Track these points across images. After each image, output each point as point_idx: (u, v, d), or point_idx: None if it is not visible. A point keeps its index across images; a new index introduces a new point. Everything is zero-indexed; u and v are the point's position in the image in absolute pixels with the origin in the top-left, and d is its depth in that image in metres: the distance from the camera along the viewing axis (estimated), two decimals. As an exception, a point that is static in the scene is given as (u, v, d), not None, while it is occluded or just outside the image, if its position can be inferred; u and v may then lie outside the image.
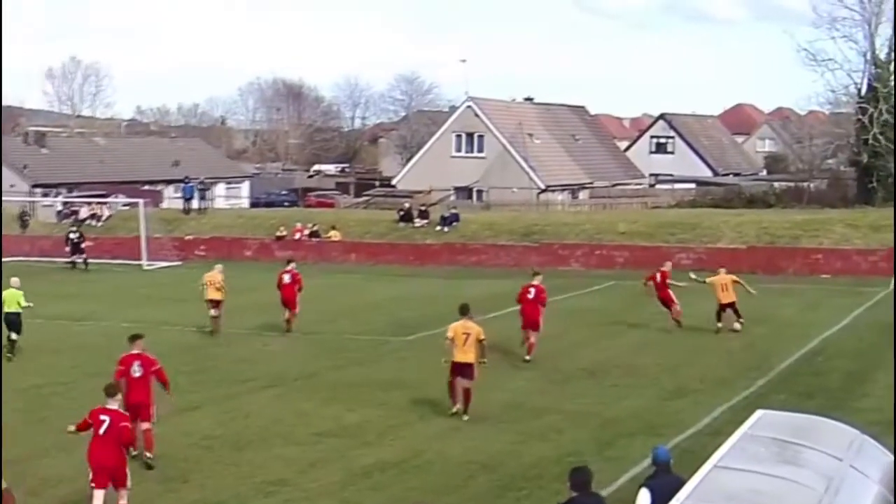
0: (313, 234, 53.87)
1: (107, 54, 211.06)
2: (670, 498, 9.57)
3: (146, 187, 71.85)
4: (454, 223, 52.98)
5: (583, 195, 71.36)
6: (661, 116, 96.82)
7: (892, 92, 58.31)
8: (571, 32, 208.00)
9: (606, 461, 17.22)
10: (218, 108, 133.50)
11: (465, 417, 20.11)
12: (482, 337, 20.28)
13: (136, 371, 17.43)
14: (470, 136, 69.98)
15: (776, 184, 68.75)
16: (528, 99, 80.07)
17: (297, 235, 53.93)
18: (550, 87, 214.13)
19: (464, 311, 20.63)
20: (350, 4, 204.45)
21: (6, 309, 26.50)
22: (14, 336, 26.66)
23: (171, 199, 70.98)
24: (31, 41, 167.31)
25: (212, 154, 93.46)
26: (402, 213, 54.84)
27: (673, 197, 67.32)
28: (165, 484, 16.60)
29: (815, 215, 51.32)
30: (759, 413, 11.92)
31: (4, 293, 26.81)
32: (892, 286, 38.54)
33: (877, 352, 26.65)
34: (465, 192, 67.46)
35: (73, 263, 49.98)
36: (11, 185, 68.02)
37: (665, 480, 11.05)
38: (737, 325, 29.72)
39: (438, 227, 52.97)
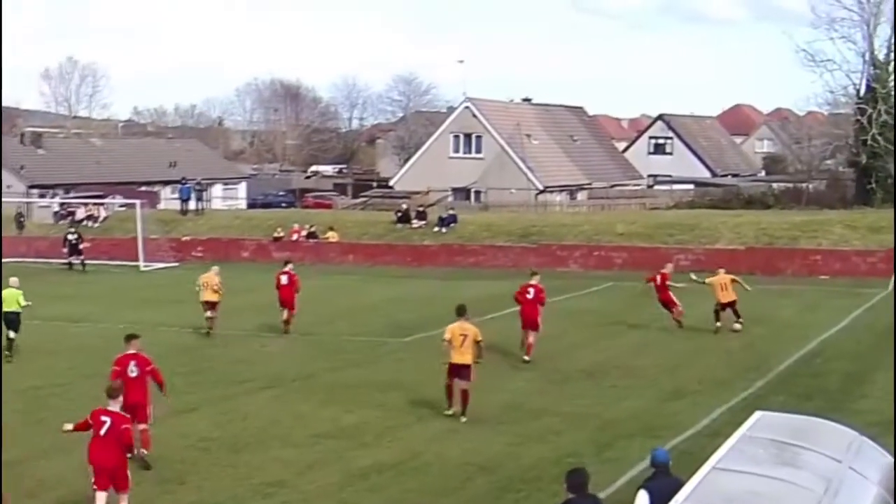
0: (311, 235, 53.84)
1: (104, 55, 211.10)
2: (669, 500, 9.54)
3: (143, 188, 71.83)
4: (452, 224, 52.94)
5: (581, 196, 71.37)
6: (660, 117, 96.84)
7: (891, 92, 58.38)
8: (569, 33, 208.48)
9: (605, 463, 17.20)
10: (215, 109, 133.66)
11: (464, 419, 20.06)
12: (479, 338, 20.24)
13: (133, 371, 17.38)
14: (468, 136, 69.98)
15: (775, 185, 68.76)
16: (527, 99, 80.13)
17: (295, 236, 53.90)
18: (548, 88, 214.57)
19: (460, 312, 20.59)
20: (348, 5, 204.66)
21: (6, 308, 26.61)
22: (12, 335, 26.75)
23: (168, 200, 70.94)
24: (28, 41, 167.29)
25: (209, 155, 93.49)
26: (399, 214, 54.82)
27: (671, 198, 67.32)
28: (162, 485, 16.54)
29: (813, 216, 51.29)
30: (757, 414, 11.88)
31: (4, 293, 26.94)
32: (890, 287, 38.55)
33: (876, 353, 26.64)
34: (462, 192, 67.44)
35: (70, 264, 49.96)
36: (8, 186, 68.08)
37: (664, 482, 11.01)
38: (736, 326, 29.71)
39: (436, 228, 52.93)
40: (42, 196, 70.43)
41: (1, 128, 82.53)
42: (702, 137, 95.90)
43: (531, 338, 25.99)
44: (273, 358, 27.22)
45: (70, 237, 50.84)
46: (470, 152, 69.81)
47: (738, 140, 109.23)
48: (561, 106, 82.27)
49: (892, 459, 11.52)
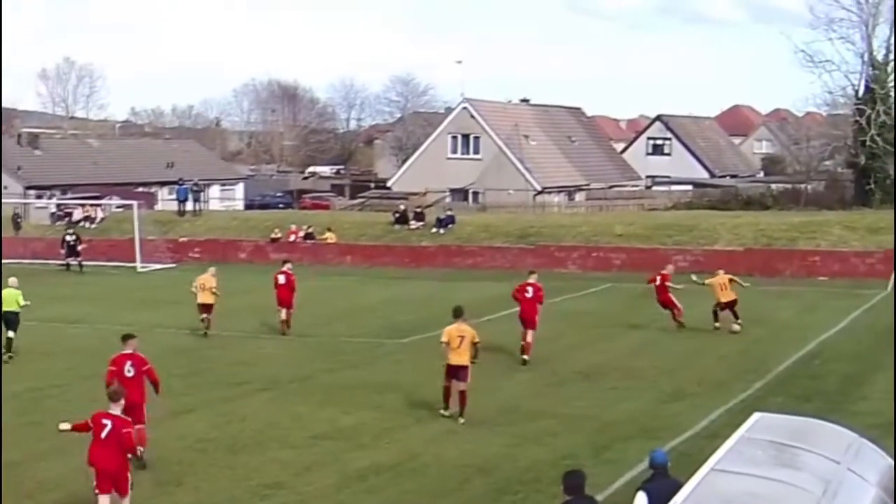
0: (308, 237, 53.79)
1: (101, 55, 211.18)
2: (667, 501, 9.52)
3: (140, 189, 71.82)
4: (450, 225, 52.92)
5: (579, 197, 71.39)
6: (658, 118, 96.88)
7: (890, 93, 58.41)
8: (568, 33, 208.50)
9: (603, 464, 17.17)
10: (212, 110, 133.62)
11: (462, 420, 20.04)
12: (476, 340, 20.27)
13: (129, 371, 17.38)
14: (466, 137, 69.96)
15: (773, 185, 68.83)
16: (525, 100, 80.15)
17: (292, 237, 53.83)
18: (547, 89, 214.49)
19: (457, 313, 20.59)
20: (345, 5, 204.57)
21: (5, 308, 26.72)
22: (11, 334, 26.86)
23: (166, 200, 70.90)
24: (24, 42, 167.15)
25: (206, 156, 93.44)
26: (397, 215, 54.78)
27: (670, 199, 67.31)
28: (159, 487, 16.50)
29: (812, 217, 51.27)
30: (756, 416, 11.85)
31: (3, 292, 27.04)
32: (889, 288, 38.53)
33: (875, 355, 26.62)
34: (460, 193, 67.44)
35: (68, 265, 49.91)
36: (5, 187, 68.05)
37: (662, 484, 11.00)
38: (735, 327, 29.71)
39: (434, 229, 52.89)
40: (39, 197, 70.40)
41: (1, 129, 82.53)
42: (700, 138, 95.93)
43: (529, 337, 25.97)
44: (271, 359, 27.18)
45: (68, 238, 50.80)
46: (468, 153, 69.80)
47: (737, 141, 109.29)
48: (559, 107, 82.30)
49: (892, 461, 11.48)
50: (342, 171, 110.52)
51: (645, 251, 46.41)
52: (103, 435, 14.17)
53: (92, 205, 61.03)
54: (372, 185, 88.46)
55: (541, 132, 74.47)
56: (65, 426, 14.88)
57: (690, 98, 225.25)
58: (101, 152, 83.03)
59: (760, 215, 53.77)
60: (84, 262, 49.77)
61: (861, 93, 59.15)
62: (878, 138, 57.61)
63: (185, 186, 60.27)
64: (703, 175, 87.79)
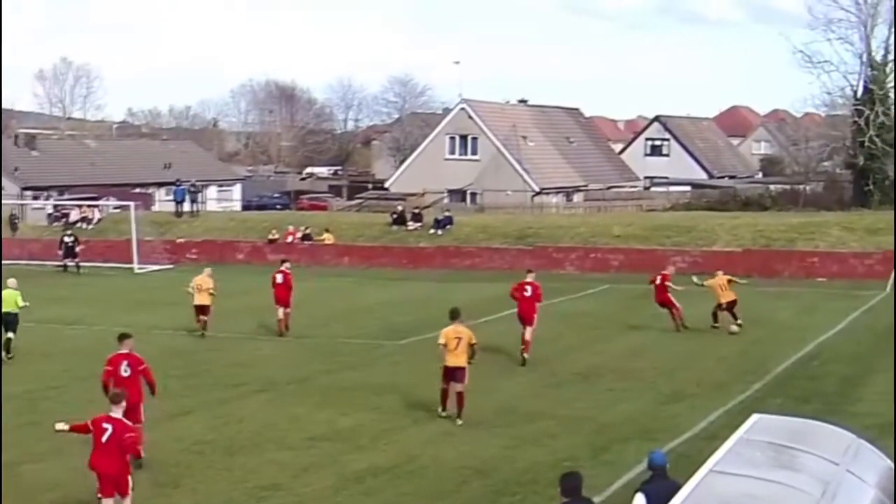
0: (306, 237, 53.76)
1: (98, 56, 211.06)
2: (666, 503, 9.49)
3: (137, 190, 71.71)
4: (448, 226, 52.90)
5: (577, 198, 71.37)
6: (656, 119, 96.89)
7: (889, 94, 58.42)
8: (566, 34, 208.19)
9: (601, 466, 17.16)
10: (210, 111, 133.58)
11: (459, 422, 20.00)
12: (473, 341, 20.25)
13: (125, 371, 17.37)
14: (464, 138, 69.93)
15: (772, 186, 68.82)
16: (523, 101, 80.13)
17: (290, 238, 53.79)
18: (545, 89, 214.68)
19: (454, 315, 20.57)
20: (343, 6, 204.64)
21: (4, 309, 26.71)
22: (10, 335, 26.91)
23: (163, 201, 70.87)
24: (21, 42, 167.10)
25: (203, 156, 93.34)
26: (395, 215, 54.76)
27: (668, 199, 67.33)
28: (156, 489, 16.46)
29: (810, 218, 51.27)
30: (755, 417, 11.82)
31: (3, 293, 27.04)
32: (888, 289, 38.50)
33: (874, 356, 26.60)
34: (458, 194, 67.43)
35: (65, 266, 49.85)
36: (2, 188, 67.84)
37: (661, 485, 10.99)
38: (734, 328, 29.70)
39: (432, 230, 52.87)
40: (36, 198, 70.31)
41: (1, 129, 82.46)
42: (698, 139, 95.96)
43: (528, 334, 25.98)
44: (268, 361, 27.13)
45: (66, 240, 50.77)
46: (466, 154, 69.76)
47: (735, 142, 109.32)
48: (557, 107, 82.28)
49: (891, 462, 11.45)
50: (340, 172, 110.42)
51: (643, 252, 46.39)
52: (104, 439, 14.13)
53: (89, 206, 60.96)
54: (370, 185, 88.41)
55: (539, 133, 74.47)
56: (61, 426, 14.83)
57: (689, 99, 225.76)
58: (98, 153, 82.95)
59: (759, 216, 53.77)
60: (81, 264, 49.71)
61: (860, 93, 59.15)
62: (876, 139, 57.61)
63: (182, 187, 60.21)
64: (701, 176, 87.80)
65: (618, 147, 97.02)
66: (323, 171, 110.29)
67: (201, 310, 30.09)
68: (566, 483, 11.03)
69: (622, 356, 27.17)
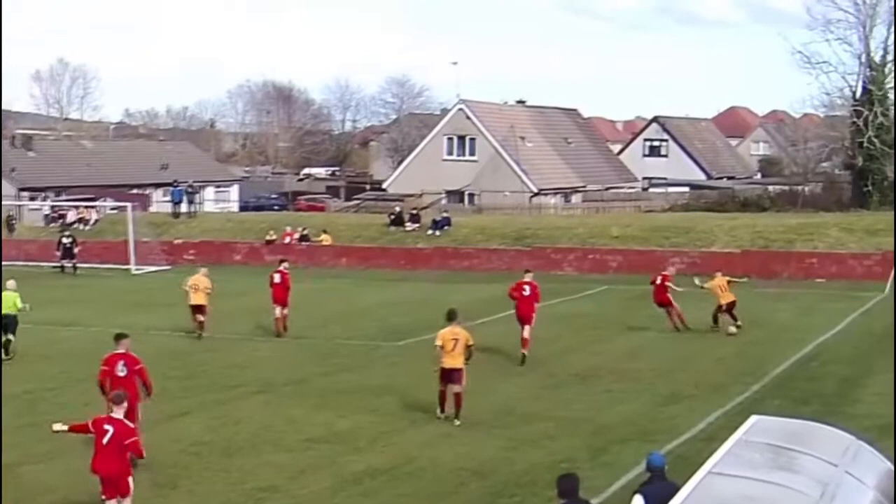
0: (303, 238, 53.73)
1: (95, 56, 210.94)
2: (665, 505, 9.45)
3: (134, 191, 71.71)
4: (445, 227, 52.87)
5: (575, 199, 71.36)
6: (655, 119, 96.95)
7: (888, 94, 58.45)
8: (564, 34, 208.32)
9: (600, 467, 17.13)
10: (207, 111, 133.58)
11: (457, 423, 19.97)
12: (471, 342, 20.24)
13: (121, 371, 17.37)
14: (461, 139, 69.89)
15: (770, 187, 68.89)
16: (521, 101, 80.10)
17: (287, 239, 53.77)
18: (543, 90, 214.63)
19: (451, 316, 20.57)
20: (340, 6, 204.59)
21: (4, 310, 26.70)
22: (11, 337, 26.95)
23: (160, 202, 70.80)
24: (18, 43, 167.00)
25: (201, 157, 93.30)
26: (392, 216, 54.74)
27: (666, 200, 67.34)
28: (154, 490, 16.41)
29: (809, 219, 51.27)
30: (753, 418, 11.80)
31: (2, 295, 27.04)
32: (887, 290, 38.48)
33: (872, 357, 26.58)
34: (456, 195, 67.40)
35: (62, 267, 49.79)
36: (0, 189, 67.80)
37: (659, 487, 10.98)
38: (732, 329, 29.69)
39: (430, 231, 52.85)
40: (33, 199, 70.24)
41: (1, 130, 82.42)
42: (697, 140, 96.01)
43: (526, 332, 25.98)
44: (265, 362, 27.09)
45: (64, 241, 50.69)
46: (463, 155, 69.71)
47: (734, 142, 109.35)
48: (555, 108, 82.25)
49: (890, 464, 11.43)
50: (337, 173, 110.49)
51: (641, 253, 46.37)
52: (105, 441, 14.09)
53: (86, 206, 60.94)
54: (367, 186, 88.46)
55: (537, 134, 74.43)
56: (59, 427, 14.80)
57: (687, 99, 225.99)
58: (95, 154, 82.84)
59: (757, 217, 53.78)
60: (78, 265, 49.66)
61: (858, 94, 59.19)
62: (875, 140, 57.63)
63: (179, 188, 60.19)
64: (699, 177, 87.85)
65: (616, 148, 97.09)
66: (320, 171, 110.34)
67: (198, 309, 30.04)
68: (563, 485, 11.04)
69: (620, 357, 27.14)
